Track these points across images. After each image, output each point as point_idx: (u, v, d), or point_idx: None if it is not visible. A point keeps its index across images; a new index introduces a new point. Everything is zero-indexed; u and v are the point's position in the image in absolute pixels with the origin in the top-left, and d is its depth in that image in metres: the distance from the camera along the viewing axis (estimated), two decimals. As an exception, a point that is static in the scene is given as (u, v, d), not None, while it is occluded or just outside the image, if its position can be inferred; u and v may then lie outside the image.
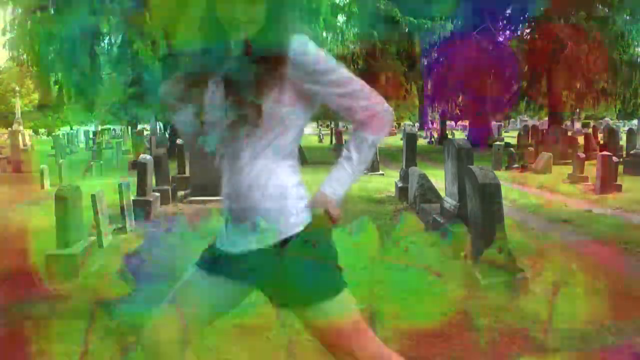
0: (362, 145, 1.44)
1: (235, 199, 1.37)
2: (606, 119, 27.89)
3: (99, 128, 31.26)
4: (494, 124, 25.76)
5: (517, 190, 8.67)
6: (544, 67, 20.09)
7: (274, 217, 1.34)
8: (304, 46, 1.32)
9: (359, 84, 1.38)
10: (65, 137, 24.61)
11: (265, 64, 1.31)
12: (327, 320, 1.37)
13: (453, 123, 30.51)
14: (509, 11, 21.10)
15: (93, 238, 4.65)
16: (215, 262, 1.42)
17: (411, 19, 14.84)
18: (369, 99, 1.39)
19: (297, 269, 1.33)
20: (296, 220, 1.36)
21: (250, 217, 1.35)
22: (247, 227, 1.35)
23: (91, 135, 26.03)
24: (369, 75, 17.98)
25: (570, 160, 11.45)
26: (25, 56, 15.37)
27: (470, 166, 4.37)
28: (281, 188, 1.36)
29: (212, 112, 1.37)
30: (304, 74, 1.32)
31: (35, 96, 36.08)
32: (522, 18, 21.03)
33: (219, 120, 1.35)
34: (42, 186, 9.72)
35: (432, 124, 32.49)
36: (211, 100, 1.37)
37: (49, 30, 13.41)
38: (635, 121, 27.05)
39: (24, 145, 15.04)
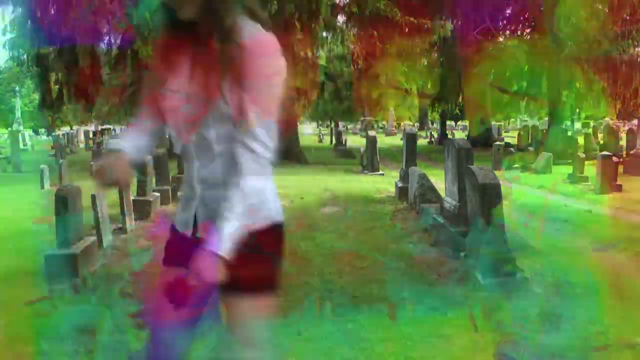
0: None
1: (209, 187, 1.38)
2: (606, 119, 27.86)
3: (99, 128, 31.26)
4: (493, 123, 25.78)
5: (517, 190, 8.67)
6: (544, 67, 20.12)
7: (247, 209, 1.30)
8: (262, 38, 1.29)
9: (267, 123, 1.30)
10: (65, 137, 24.61)
11: (223, 44, 1.28)
12: (243, 313, 1.42)
13: (453, 123, 30.53)
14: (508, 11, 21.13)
15: (93, 238, 4.65)
16: (183, 254, 1.35)
17: (411, 19, 14.84)
18: (255, 141, 1.29)
19: (246, 261, 1.32)
20: (268, 214, 1.40)
21: (222, 205, 1.31)
22: (218, 214, 1.30)
23: (91, 135, 26.04)
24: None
25: (570, 160, 11.46)
26: (25, 56, 15.38)
27: (470, 166, 4.37)
28: (257, 180, 1.34)
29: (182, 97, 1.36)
30: (248, 66, 1.27)
31: (35, 96, 36.09)
32: (522, 18, 21.06)
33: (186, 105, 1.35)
34: (42, 186, 9.72)
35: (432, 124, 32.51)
36: (182, 87, 1.36)
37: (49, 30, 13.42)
38: (635, 121, 27.04)
39: (24, 145, 15.05)
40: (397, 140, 21.11)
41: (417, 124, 35.73)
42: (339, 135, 21.35)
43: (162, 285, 1.35)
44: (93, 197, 4.89)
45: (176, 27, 1.37)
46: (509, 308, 3.32)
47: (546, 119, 23.77)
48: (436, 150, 18.55)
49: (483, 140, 19.26)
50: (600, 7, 18.11)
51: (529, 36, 21.73)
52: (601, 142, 15.09)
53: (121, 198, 5.61)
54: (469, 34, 18.87)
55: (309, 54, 15.39)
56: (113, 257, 4.59)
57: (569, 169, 10.53)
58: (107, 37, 15.41)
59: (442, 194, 5.93)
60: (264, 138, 1.31)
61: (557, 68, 18.51)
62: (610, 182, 8.27)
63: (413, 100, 29.33)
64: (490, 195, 3.90)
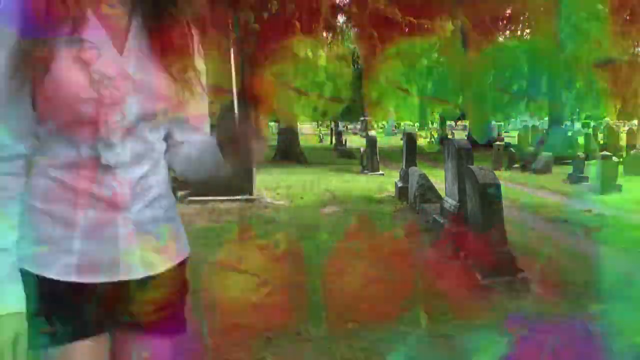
0: None
1: (149, 205, 1.08)
2: (606, 119, 27.88)
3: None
4: (493, 123, 25.76)
5: (517, 190, 8.67)
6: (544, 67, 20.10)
7: (172, 234, 1.12)
8: None
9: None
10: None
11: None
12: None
13: (453, 123, 30.51)
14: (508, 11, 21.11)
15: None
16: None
17: (411, 19, 14.84)
18: None
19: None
20: (183, 246, 1.15)
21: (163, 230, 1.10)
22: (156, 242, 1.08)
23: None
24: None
25: (570, 160, 11.46)
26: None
27: (470, 166, 4.38)
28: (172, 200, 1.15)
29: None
30: None
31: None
32: (521, 18, 21.05)
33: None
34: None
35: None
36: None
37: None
38: (635, 121, 27.04)
39: None
40: (397, 140, 21.08)
41: (417, 124, 35.71)
42: (339, 135, 21.33)
43: None
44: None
45: None
46: (509, 308, 3.32)
47: (546, 119, 23.78)
48: (436, 150, 18.54)
49: (483, 140, 19.25)
50: (600, 7, 18.11)
51: (528, 36, 21.73)
52: (601, 142, 15.09)
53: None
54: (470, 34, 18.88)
55: (309, 54, 15.38)
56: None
57: (569, 169, 10.53)
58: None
59: (442, 194, 5.93)
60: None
61: (557, 68, 18.53)
62: (610, 182, 8.27)
63: (413, 100, 29.33)
64: (490, 195, 3.90)
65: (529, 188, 9.25)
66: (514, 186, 9.26)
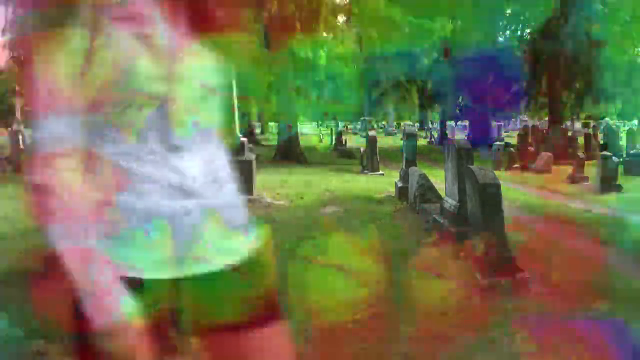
0: None
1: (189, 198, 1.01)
2: (606, 119, 27.89)
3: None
4: (494, 123, 25.77)
5: (517, 190, 8.66)
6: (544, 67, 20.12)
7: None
8: None
9: None
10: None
11: None
12: None
13: (453, 123, 30.53)
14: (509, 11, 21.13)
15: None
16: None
17: (411, 19, 14.85)
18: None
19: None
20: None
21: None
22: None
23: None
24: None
25: (570, 160, 11.45)
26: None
27: (470, 166, 4.38)
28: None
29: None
30: None
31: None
32: (522, 18, 21.05)
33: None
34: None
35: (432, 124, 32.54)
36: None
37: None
38: (635, 121, 27.05)
39: (24, 145, 15.04)
40: (397, 140, 21.09)
41: (417, 124, 35.75)
42: (339, 135, 21.35)
43: None
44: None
45: None
46: (509, 308, 3.32)
47: (546, 119, 23.79)
48: (436, 150, 18.54)
49: (483, 140, 19.25)
50: (600, 7, 18.12)
51: (529, 36, 21.74)
52: (601, 142, 15.08)
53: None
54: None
55: (309, 53, 15.39)
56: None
57: (569, 169, 10.52)
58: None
59: (442, 194, 5.93)
60: None
61: (557, 68, 18.54)
62: (610, 182, 8.27)
63: (413, 100, 29.37)
64: (490, 195, 3.90)
65: (529, 188, 9.25)
66: (514, 186, 9.26)
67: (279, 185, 8.91)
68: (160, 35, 0.94)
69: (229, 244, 1.00)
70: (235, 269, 0.99)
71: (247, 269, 1.01)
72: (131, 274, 0.90)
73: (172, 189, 0.93)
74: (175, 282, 0.94)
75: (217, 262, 0.97)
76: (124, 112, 0.90)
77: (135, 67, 0.89)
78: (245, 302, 1.00)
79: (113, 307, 0.87)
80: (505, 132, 30.49)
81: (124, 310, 0.87)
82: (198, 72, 0.97)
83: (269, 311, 1.04)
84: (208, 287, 0.97)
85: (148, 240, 0.91)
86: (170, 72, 0.93)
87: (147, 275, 0.91)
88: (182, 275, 0.94)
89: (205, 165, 0.98)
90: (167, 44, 0.94)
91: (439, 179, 6.88)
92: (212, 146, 1.01)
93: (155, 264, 0.91)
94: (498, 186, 3.94)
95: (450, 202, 5.17)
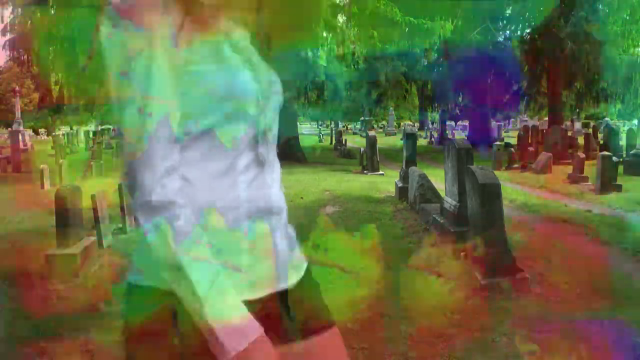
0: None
1: (278, 212, 0.97)
2: (606, 119, 27.89)
3: (99, 128, 31.26)
4: (494, 123, 25.77)
5: (517, 190, 8.66)
6: (544, 67, 20.12)
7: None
8: None
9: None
10: (65, 137, 24.61)
11: None
12: None
13: (453, 123, 30.53)
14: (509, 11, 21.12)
15: (93, 238, 4.65)
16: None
17: (411, 19, 14.83)
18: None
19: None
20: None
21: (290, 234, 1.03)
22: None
23: (91, 135, 26.04)
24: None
25: (570, 160, 11.45)
26: (25, 56, 15.38)
27: (470, 166, 4.37)
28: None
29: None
30: None
31: (35, 96, 36.08)
32: (522, 18, 21.05)
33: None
34: (42, 186, 9.71)
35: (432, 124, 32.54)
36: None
37: (49, 30, 13.42)
38: (635, 121, 27.05)
39: (24, 145, 15.04)
40: (397, 140, 21.09)
41: (417, 124, 35.74)
42: (339, 135, 21.35)
43: None
44: (93, 197, 4.89)
45: None
46: (508, 308, 3.32)
47: (546, 119, 23.78)
48: (436, 150, 18.54)
49: (483, 140, 19.25)
50: (600, 7, 18.13)
51: (529, 36, 21.74)
52: (601, 142, 15.07)
53: (121, 198, 5.62)
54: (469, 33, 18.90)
55: (309, 53, 15.39)
56: (113, 258, 4.59)
57: (569, 169, 10.53)
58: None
59: (442, 194, 5.93)
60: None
61: (557, 68, 18.54)
62: (610, 182, 8.27)
63: (413, 100, 29.37)
64: (490, 195, 3.90)
65: (529, 188, 9.25)
66: (514, 186, 9.26)
67: (279, 185, 8.89)
68: (253, 51, 0.96)
69: (295, 260, 1.02)
70: (297, 285, 1.00)
71: (304, 283, 1.03)
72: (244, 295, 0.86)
73: (258, 206, 0.91)
74: (277, 297, 0.94)
75: (292, 278, 0.99)
76: (215, 129, 0.87)
77: (239, 82, 0.89)
78: (310, 314, 1.03)
79: (245, 332, 0.81)
80: (505, 132, 30.51)
81: (253, 333, 0.82)
82: (276, 83, 0.98)
83: (325, 320, 1.06)
84: (296, 300, 0.99)
85: (233, 261, 0.88)
86: (264, 86, 0.94)
87: (254, 294, 0.89)
88: (264, 294, 0.92)
89: (279, 181, 0.99)
90: (258, 59, 0.96)
91: (439, 179, 6.89)
92: (277, 161, 1.00)
93: (239, 286, 0.87)
94: (498, 186, 3.94)
95: (450, 202, 5.17)
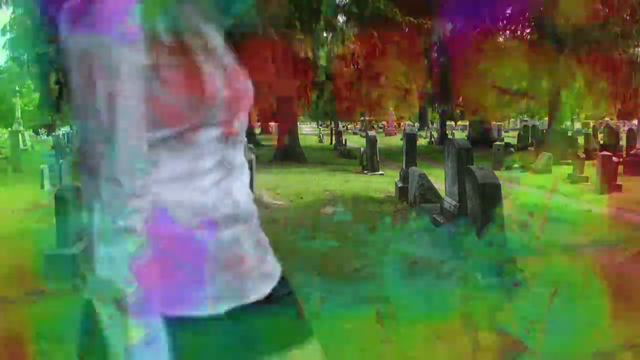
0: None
1: (246, 219, 0.92)
2: (606, 119, 27.90)
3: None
4: (494, 123, 25.77)
5: (517, 190, 8.66)
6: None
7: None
8: None
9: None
10: (65, 137, 24.63)
11: None
12: None
13: (453, 123, 30.54)
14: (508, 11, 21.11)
15: (93, 238, 4.65)
16: None
17: (411, 19, 14.84)
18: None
19: None
20: None
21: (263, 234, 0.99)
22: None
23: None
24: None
25: (570, 160, 11.45)
26: (25, 56, 15.40)
27: (470, 166, 4.38)
28: None
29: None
30: None
31: (35, 96, 36.09)
32: (521, 18, 21.04)
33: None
34: (42, 186, 9.71)
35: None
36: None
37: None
38: (635, 121, 27.06)
39: (24, 145, 15.06)
40: (397, 140, 21.08)
41: (417, 124, 35.74)
42: (339, 135, 21.35)
43: None
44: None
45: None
46: (508, 308, 3.32)
47: (546, 118, 23.79)
48: (436, 150, 18.54)
49: (483, 140, 19.25)
50: (600, 6, 18.12)
51: (529, 36, 21.73)
52: (601, 142, 15.08)
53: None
54: (468, 33, 18.89)
55: (309, 53, 15.38)
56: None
57: (569, 169, 10.52)
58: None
59: (442, 194, 5.93)
60: None
61: (557, 68, 18.53)
62: (610, 182, 8.27)
63: (413, 100, 29.35)
64: (490, 195, 3.91)
65: (529, 188, 9.25)
66: (514, 186, 9.26)
67: (278, 185, 8.91)
68: (227, 51, 0.92)
69: (268, 268, 0.95)
70: (271, 294, 0.93)
71: (280, 291, 0.95)
72: (178, 313, 0.80)
73: (225, 214, 0.86)
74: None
75: (269, 285, 0.92)
76: (182, 135, 0.82)
77: (209, 86, 0.83)
78: (290, 324, 0.97)
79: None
80: (505, 132, 30.52)
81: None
82: (248, 87, 0.95)
83: (304, 333, 0.99)
84: (270, 311, 0.91)
85: (199, 273, 0.83)
86: (240, 90, 0.91)
87: (220, 307, 0.83)
88: (234, 305, 0.86)
89: (248, 187, 0.93)
90: (230, 60, 0.92)
91: (439, 179, 6.89)
92: (246, 167, 0.96)
93: (206, 300, 0.83)
94: (498, 186, 3.95)
95: (450, 202, 5.17)
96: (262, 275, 0.91)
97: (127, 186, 0.74)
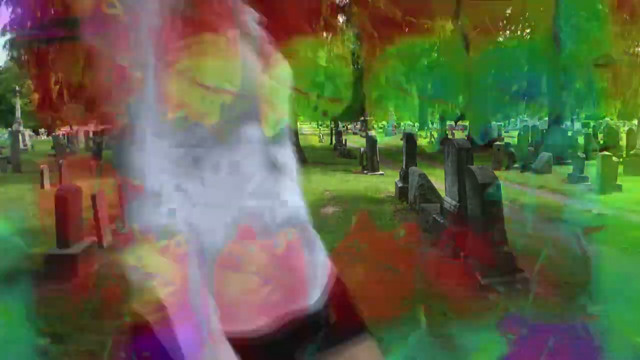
0: None
1: (297, 221, 0.95)
2: (606, 119, 27.90)
3: (99, 128, 31.22)
4: (493, 123, 25.76)
5: (517, 190, 8.66)
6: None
7: None
8: None
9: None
10: (65, 137, 24.61)
11: None
12: None
13: (453, 123, 30.53)
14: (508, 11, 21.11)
15: (93, 238, 4.65)
16: None
17: (411, 18, 14.86)
18: None
19: None
20: None
21: None
22: None
23: (91, 135, 26.03)
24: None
25: (570, 160, 11.45)
26: (25, 56, 15.40)
27: (470, 166, 4.37)
28: None
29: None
30: None
31: (35, 96, 36.06)
32: (521, 18, 21.05)
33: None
34: (42, 186, 9.71)
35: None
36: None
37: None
38: (635, 121, 27.06)
39: (24, 145, 15.06)
40: (397, 140, 21.07)
41: (417, 124, 35.74)
42: (339, 135, 21.34)
43: None
44: (93, 197, 4.89)
45: None
46: (508, 308, 3.32)
47: (546, 119, 23.79)
48: (436, 150, 18.53)
49: (483, 140, 19.24)
50: (600, 7, 18.12)
51: (529, 36, 21.73)
52: (601, 142, 15.08)
53: (121, 198, 5.62)
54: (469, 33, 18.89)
55: (309, 53, 15.40)
56: (113, 257, 4.59)
57: (569, 169, 10.52)
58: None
59: (442, 194, 5.93)
60: None
61: (557, 68, 18.52)
62: (610, 182, 8.27)
63: (413, 101, 29.36)
64: (490, 195, 3.90)
65: (529, 188, 9.25)
66: (514, 186, 9.26)
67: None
68: (264, 38, 0.86)
69: (326, 267, 0.93)
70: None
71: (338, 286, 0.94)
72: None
73: (279, 216, 0.81)
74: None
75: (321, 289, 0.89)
76: (231, 128, 0.76)
77: (249, 76, 0.76)
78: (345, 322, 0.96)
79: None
80: (505, 132, 30.51)
81: None
82: (288, 74, 0.89)
83: (359, 330, 0.97)
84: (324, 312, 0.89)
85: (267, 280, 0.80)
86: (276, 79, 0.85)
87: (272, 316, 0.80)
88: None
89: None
90: (268, 47, 0.86)
91: (439, 179, 6.88)
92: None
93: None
94: (498, 186, 3.94)
95: (450, 202, 5.17)
96: (317, 281, 0.90)
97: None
